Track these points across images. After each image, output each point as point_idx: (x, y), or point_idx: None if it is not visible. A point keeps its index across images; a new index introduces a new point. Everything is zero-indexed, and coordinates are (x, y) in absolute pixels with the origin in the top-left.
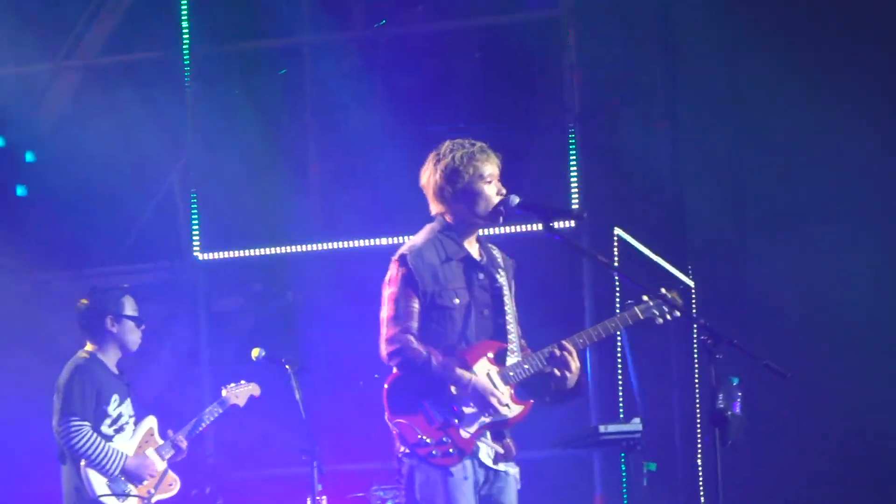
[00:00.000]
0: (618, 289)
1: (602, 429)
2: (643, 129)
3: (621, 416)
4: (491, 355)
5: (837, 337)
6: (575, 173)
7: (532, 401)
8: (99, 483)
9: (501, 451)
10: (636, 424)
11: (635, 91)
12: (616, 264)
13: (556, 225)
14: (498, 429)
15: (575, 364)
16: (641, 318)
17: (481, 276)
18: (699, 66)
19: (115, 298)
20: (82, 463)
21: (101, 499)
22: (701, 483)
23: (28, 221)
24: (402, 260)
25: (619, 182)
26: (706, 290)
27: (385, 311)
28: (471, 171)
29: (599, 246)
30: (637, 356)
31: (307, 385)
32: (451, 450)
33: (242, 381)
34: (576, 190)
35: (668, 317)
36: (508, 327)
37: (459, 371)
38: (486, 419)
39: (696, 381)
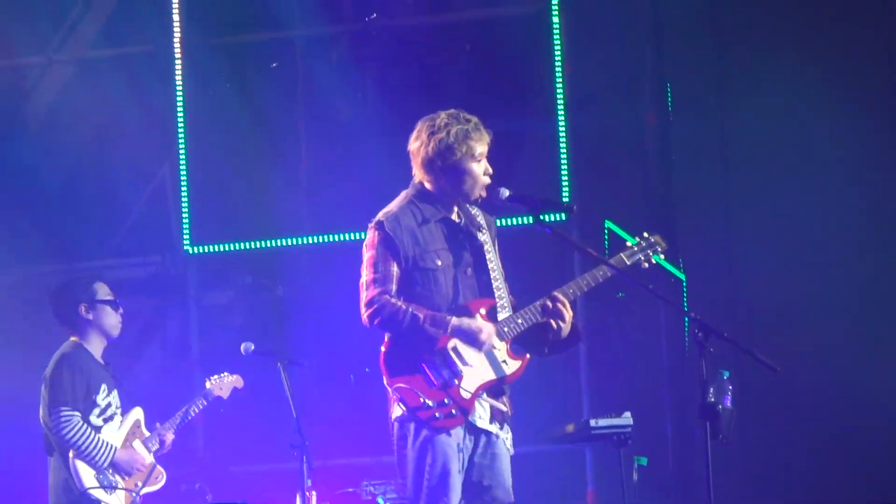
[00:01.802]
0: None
1: (593, 423)
2: (633, 122)
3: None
4: (483, 311)
5: (829, 330)
6: (565, 166)
7: (528, 355)
8: (87, 475)
9: (503, 407)
10: (627, 418)
11: (625, 83)
12: (606, 257)
13: (545, 218)
14: (496, 386)
15: (568, 314)
16: (628, 263)
17: (461, 236)
18: (688, 56)
19: (86, 285)
20: (71, 454)
21: (90, 491)
22: (692, 477)
23: (17, 214)
24: (379, 226)
25: (609, 174)
26: (697, 283)
27: (364, 276)
28: (464, 150)
29: (589, 239)
30: (627, 350)
31: (297, 379)
32: (453, 410)
33: (225, 373)
34: (566, 183)
35: (653, 260)
36: (495, 284)
37: (441, 315)
38: (486, 376)
39: (688, 374)
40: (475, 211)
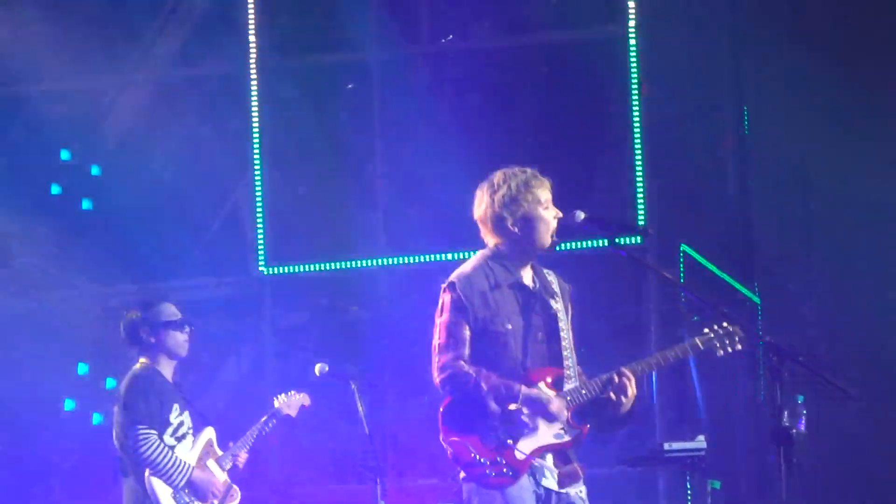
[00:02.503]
0: (683, 306)
1: (666, 446)
2: (710, 145)
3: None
4: (549, 380)
5: None
6: (641, 189)
7: (588, 425)
8: (164, 494)
9: (568, 472)
10: (700, 442)
11: (702, 106)
12: (682, 281)
13: (621, 241)
14: (559, 452)
15: (632, 390)
16: (702, 348)
17: (533, 301)
18: (766, 81)
19: (148, 308)
20: (147, 473)
21: None
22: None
23: (94, 235)
24: (451, 287)
25: (686, 198)
26: (772, 306)
27: (436, 339)
28: (529, 199)
29: (665, 263)
30: (702, 373)
31: (372, 400)
32: (505, 470)
33: (293, 392)
34: (642, 206)
35: (729, 349)
36: (564, 353)
37: (511, 383)
38: (543, 440)
39: (762, 398)
40: (551, 277)
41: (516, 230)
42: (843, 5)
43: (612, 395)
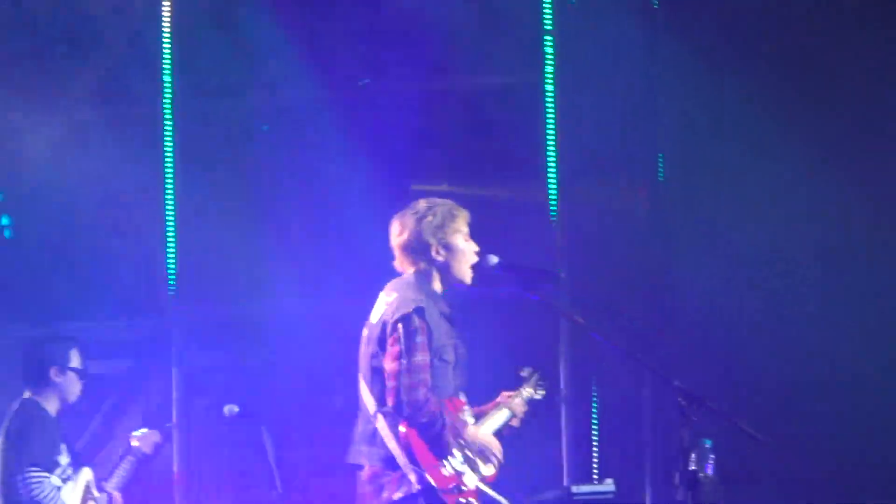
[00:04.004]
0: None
1: (575, 489)
2: (626, 191)
3: (595, 476)
4: (466, 408)
5: (822, 399)
6: (558, 234)
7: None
8: None
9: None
10: (609, 485)
11: (618, 153)
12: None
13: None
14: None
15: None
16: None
17: (455, 329)
18: (680, 130)
19: (64, 350)
20: None
21: None
22: None
23: (3, 273)
24: (420, 312)
25: (599, 243)
26: (684, 351)
27: (404, 365)
28: (453, 228)
29: (578, 306)
30: (609, 416)
31: (281, 441)
32: (461, 499)
33: (145, 429)
34: (556, 250)
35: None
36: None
37: (466, 429)
38: (482, 473)
39: (670, 441)
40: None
41: (440, 257)
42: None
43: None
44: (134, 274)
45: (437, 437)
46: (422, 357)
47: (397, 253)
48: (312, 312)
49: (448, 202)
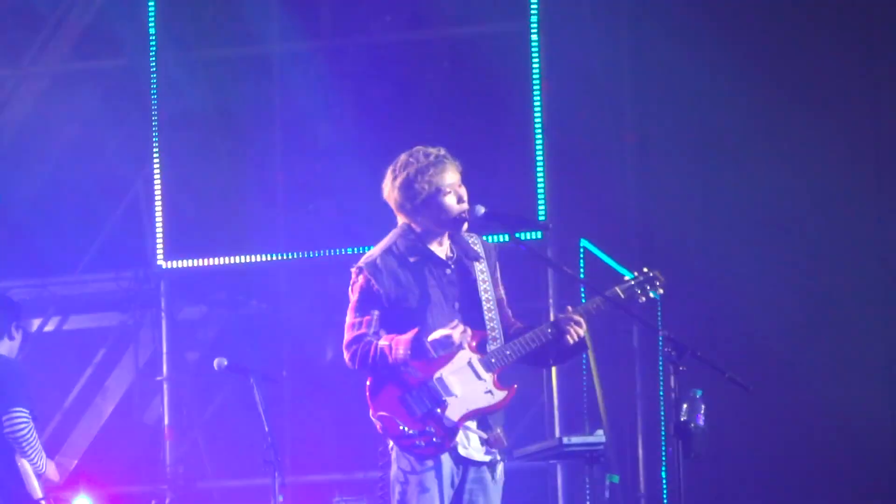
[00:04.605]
0: (583, 300)
1: (565, 440)
2: (611, 141)
3: (586, 428)
4: (473, 344)
5: (804, 348)
6: (542, 184)
7: (515, 386)
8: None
9: (486, 437)
10: (599, 436)
11: (604, 101)
12: (581, 276)
13: (521, 236)
14: (483, 416)
15: (583, 329)
16: (622, 296)
17: (448, 271)
18: (668, 75)
19: (24, 310)
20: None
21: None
22: (664, 495)
23: None
24: (359, 270)
25: (585, 194)
26: (672, 301)
27: (346, 320)
28: (426, 187)
29: (565, 257)
30: (601, 367)
31: (270, 394)
32: (434, 439)
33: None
34: (542, 201)
35: (651, 294)
36: (488, 315)
37: (402, 336)
38: (470, 405)
39: (661, 393)
40: (473, 240)
41: (418, 213)
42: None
43: (568, 337)
44: (121, 228)
45: (394, 378)
46: (359, 313)
47: (389, 201)
48: (300, 265)
49: (431, 155)
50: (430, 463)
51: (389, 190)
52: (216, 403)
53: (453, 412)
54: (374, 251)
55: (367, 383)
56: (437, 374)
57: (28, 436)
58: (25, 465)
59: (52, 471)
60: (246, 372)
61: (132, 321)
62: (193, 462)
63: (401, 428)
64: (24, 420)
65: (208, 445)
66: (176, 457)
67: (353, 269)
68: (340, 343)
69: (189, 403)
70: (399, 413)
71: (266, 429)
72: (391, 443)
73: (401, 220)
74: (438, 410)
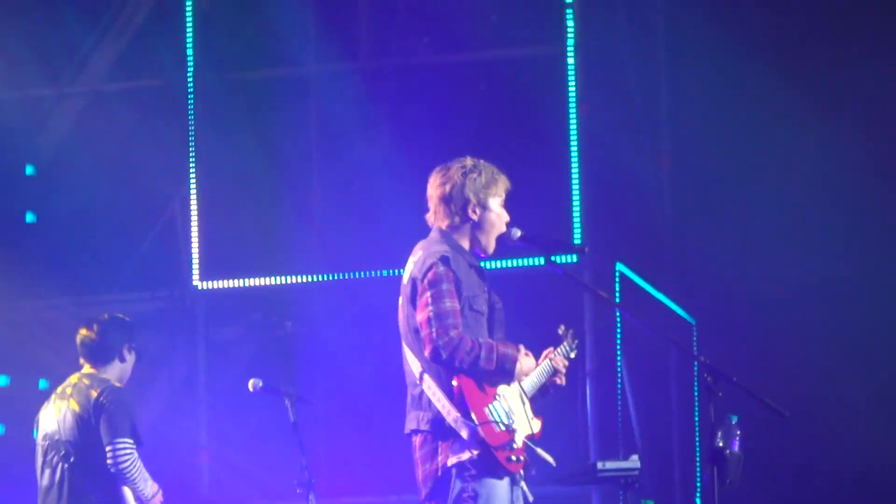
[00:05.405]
0: (619, 324)
1: (600, 465)
2: (647, 165)
3: (620, 452)
4: None
5: (844, 373)
6: (577, 207)
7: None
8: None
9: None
10: (634, 461)
11: (641, 125)
12: (617, 299)
13: (557, 259)
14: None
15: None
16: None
17: (488, 285)
18: (704, 99)
19: (135, 329)
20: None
21: None
22: None
23: (27, 248)
24: (445, 261)
25: (622, 217)
26: (708, 326)
27: (431, 310)
28: (494, 191)
29: (601, 281)
30: (636, 393)
31: (305, 416)
32: (513, 457)
33: None
34: (578, 224)
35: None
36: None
37: (521, 352)
38: (525, 430)
39: (696, 418)
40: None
41: (475, 216)
42: (777, 18)
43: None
44: (157, 247)
45: (487, 373)
46: (450, 303)
47: (434, 203)
48: (336, 285)
49: (492, 166)
50: (504, 481)
51: (454, 184)
52: (251, 425)
53: (519, 436)
54: (445, 247)
55: (455, 383)
56: (497, 393)
57: (131, 467)
58: (127, 492)
59: (157, 499)
60: (281, 393)
61: (168, 341)
62: (229, 483)
63: (502, 440)
64: (129, 451)
65: (243, 467)
66: (212, 478)
67: (436, 261)
68: (375, 364)
69: (225, 424)
70: (488, 426)
71: (301, 450)
72: (472, 455)
73: (444, 220)
74: (515, 429)
